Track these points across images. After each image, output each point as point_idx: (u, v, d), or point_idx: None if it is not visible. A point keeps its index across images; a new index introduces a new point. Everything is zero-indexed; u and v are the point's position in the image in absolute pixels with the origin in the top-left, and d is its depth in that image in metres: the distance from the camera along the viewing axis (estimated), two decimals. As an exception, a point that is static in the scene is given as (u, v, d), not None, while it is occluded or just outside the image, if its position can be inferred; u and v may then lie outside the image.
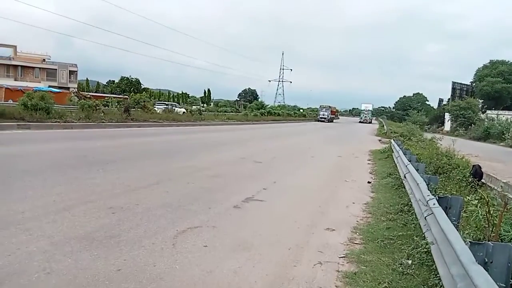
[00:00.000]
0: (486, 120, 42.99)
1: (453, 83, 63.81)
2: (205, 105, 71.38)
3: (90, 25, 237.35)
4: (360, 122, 73.51)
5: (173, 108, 33.98)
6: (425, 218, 4.38)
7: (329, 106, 68.06)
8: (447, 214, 3.86)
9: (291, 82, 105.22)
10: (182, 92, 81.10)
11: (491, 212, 3.73)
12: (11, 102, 19.87)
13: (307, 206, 6.52)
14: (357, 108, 78.52)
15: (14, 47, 55.71)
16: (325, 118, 63.68)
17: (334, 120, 70.84)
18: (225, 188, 7.14)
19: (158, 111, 26.84)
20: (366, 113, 77.32)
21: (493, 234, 3.56)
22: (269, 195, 6.93)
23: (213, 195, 6.46)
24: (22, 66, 54.75)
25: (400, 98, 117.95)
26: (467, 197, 4.76)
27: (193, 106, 48.72)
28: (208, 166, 9.37)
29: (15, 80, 50.38)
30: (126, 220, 4.64)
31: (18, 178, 6.13)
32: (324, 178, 9.65)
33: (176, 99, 68.63)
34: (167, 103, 40.77)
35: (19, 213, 4.44)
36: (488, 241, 3.11)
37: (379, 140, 26.49)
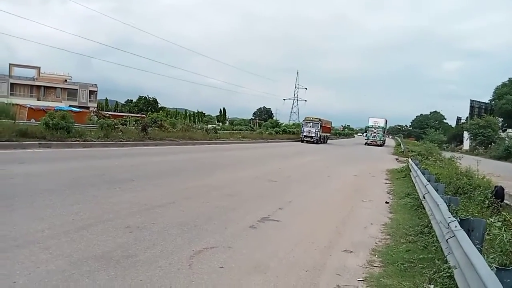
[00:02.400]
0: (506, 138, 41.99)
1: (471, 101, 63.02)
2: (220, 123, 72.10)
3: (111, 46, 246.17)
4: (366, 144, 50.57)
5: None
6: (446, 240, 4.25)
7: (319, 119, 43.65)
8: (469, 237, 3.75)
9: (306, 100, 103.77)
10: (198, 111, 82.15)
11: (517, 235, 3.59)
12: (33, 121, 20.48)
13: (324, 226, 6.43)
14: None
15: (38, 68, 58.13)
16: (311, 137, 41.81)
17: (328, 141, 48.96)
18: (240, 208, 7.11)
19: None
20: (375, 131, 51.88)
21: (520, 259, 3.43)
22: (285, 215, 6.87)
23: (228, 214, 6.45)
24: (44, 87, 56.85)
25: (417, 116, 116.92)
26: (489, 219, 4.63)
27: (209, 125, 49.29)
28: (224, 185, 9.39)
29: (38, 100, 52.17)
30: (143, 239, 4.66)
31: (38, 197, 6.25)
32: (340, 198, 9.53)
33: (192, 118, 69.52)
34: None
35: (39, 232, 4.52)
36: (515, 266, 2.99)
37: (396, 159, 26.14)
